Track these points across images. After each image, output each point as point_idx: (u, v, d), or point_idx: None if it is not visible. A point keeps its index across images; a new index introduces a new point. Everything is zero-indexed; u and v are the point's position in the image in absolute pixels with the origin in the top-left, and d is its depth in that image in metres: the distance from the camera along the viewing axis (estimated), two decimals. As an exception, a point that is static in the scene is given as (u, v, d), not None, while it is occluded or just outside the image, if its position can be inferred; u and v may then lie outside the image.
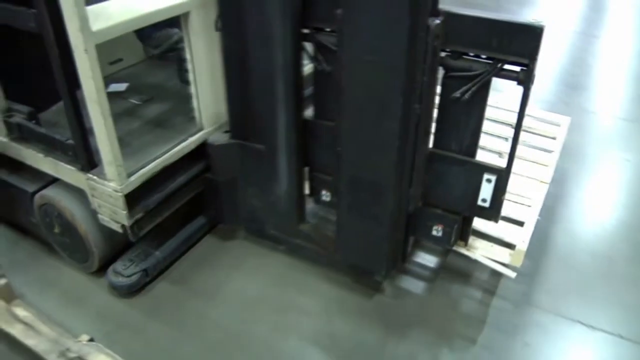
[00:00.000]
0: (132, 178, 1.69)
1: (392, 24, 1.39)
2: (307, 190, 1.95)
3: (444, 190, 1.69)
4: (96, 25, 1.44)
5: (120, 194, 1.66)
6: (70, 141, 1.69)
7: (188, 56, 1.79)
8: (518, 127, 1.52)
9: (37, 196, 1.92)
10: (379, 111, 1.52)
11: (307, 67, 1.76)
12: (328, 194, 1.91)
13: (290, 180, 1.85)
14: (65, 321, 1.76)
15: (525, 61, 1.42)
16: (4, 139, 1.88)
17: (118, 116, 1.86)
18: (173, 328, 1.76)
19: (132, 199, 1.71)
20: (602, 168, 2.59)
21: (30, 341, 1.64)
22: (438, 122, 1.63)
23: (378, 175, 1.61)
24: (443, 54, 1.51)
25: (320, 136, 1.80)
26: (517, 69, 1.45)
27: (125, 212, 1.70)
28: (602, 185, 2.46)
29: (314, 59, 1.71)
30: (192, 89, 1.85)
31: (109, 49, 2.21)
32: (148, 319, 1.80)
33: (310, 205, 2.00)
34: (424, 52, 1.45)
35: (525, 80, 1.44)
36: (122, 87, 2.23)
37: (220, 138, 1.88)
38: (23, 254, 2.07)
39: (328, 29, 1.63)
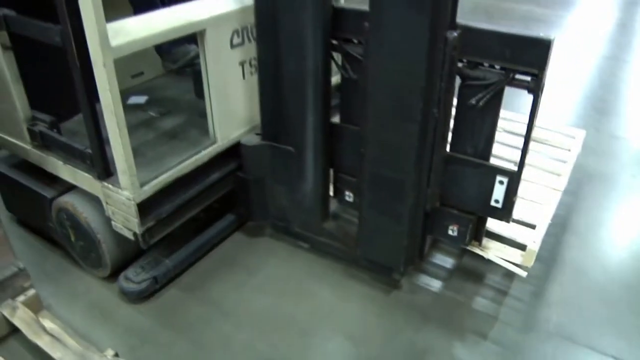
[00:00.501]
0: (145, 187, 1.82)
1: (413, 37, 1.57)
2: (331, 192, 2.13)
3: (459, 191, 1.85)
4: (115, 41, 1.58)
5: (132, 202, 1.79)
6: (88, 150, 1.82)
7: (203, 71, 1.94)
8: (529, 132, 1.67)
9: (55, 202, 2.04)
10: (401, 114, 1.69)
11: (334, 78, 1.95)
12: (351, 194, 2.08)
13: (316, 180, 2.03)
14: (91, 334, 1.83)
15: (535, 71, 1.58)
16: (27, 146, 2.04)
17: (135, 127, 2.12)
18: (197, 346, 1.84)
19: (145, 207, 1.84)
20: (627, 192, 2.67)
21: (57, 354, 1.67)
22: (455, 127, 1.79)
23: (398, 174, 1.77)
24: (460, 64, 1.69)
25: (345, 139, 1.98)
26: (528, 78, 1.62)
27: (137, 220, 1.83)
28: (624, 207, 2.56)
29: (341, 67, 1.90)
30: (207, 104, 2.00)
31: (131, 63, 2.49)
32: (174, 334, 1.88)
33: (333, 205, 2.17)
34: (442, 62, 1.62)
35: (535, 89, 1.60)
36: (141, 99, 2.41)
37: (253, 139, 2.06)
38: (52, 265, 2.16)
39: (355, 40, 1.83)
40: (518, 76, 1.63)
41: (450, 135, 1.81)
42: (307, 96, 1.89)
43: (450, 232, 1.93)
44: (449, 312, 1.95)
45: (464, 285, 2.06)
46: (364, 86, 1.74)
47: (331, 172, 2.09)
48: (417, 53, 1.58)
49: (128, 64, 2.41)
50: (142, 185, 1.80)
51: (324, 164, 2.01)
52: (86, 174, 1.88)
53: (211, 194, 2.10)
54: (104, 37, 1.52)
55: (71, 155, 1.91)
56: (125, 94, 2.22)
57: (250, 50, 2.02)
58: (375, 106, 1.74)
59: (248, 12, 1.91)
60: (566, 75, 3.91)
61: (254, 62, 2.04)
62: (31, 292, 1.87)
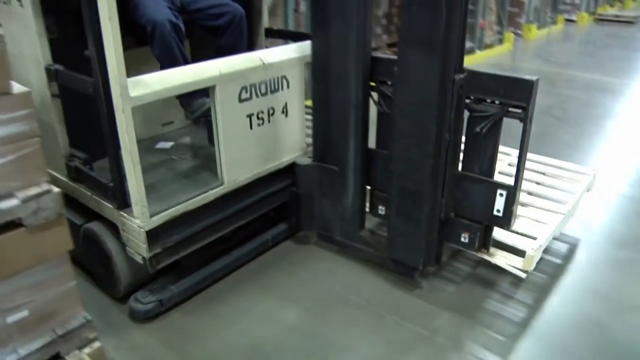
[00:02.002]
0: (154, 218, 2.20)
1: (429, 78, 2.20)
2: (367, 208, 2.73)
3: (469, 203, 2.40)
4: (134, 92, 1.99)
5: (142, 230, 2.17)
6: (111, 184, 2.23)
7: (214, 122, 2.38)
8: (521, 154, 2.24)
9: (82, 228, 2.43)
10: (419, 138, 2.29)
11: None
12: (383, 208, 2.67)
13: (355, 195, 2.63)
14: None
15: (524, 105, 2.17)
16: (65, 179, 2.46)
17: (156, 167, 2.67)
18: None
19: (153, 235, 2.21)
20: None
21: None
22: (465, 150, 2.38)
23: (418, 187, 2.36)
24: (467, 100, 2.30)
25: (379, 162, 2.59)
26: (519, 110, 2.20)
27: (145, 246, 2.20)
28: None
29: (377, 103, 2.55)
30: (216, 150, 2.44)
31: (162, 113, 3.07)
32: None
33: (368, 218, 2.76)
34: (451, 97, 2.24)
35: (525, 119, 2.18)
36: (167, 145, 2.96)
37: (305, 160, 2.72)
38: (116, 317, 2.40)
39: (388, 82, 2.48)
40: (511, 109, 2.22)
41: (461, 157, 2.40)
42: (350, 126, 2.54)
43: (462, 239, 2.47)
44: (459, 306, 2.44)
45: (474, 288, 2.56)
46: (393, 117, 2.37)
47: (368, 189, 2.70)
48: (431, 90, 2.21)
49: (160, 114, 3.05)
50: (151, 215, 2.20)
51: (362, 181, 2.62)
52: (108, 204, 2.30)
53: (220, 228, 2.53)
54: (124, 89, 1.96)
55: (97, 188, 2.33)
56: (155, 140, 2.95)
57: (257, 104, 2.50)
58: (400, 132, 2.36)
59: (256, 71, 2.44)
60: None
61: (261, 115, 2.53)
62: (96, 344, 2.01)
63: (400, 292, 2.54)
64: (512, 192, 2.29)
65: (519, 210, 2.68)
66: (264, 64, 2.47)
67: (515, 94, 2.18)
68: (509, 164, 3.12)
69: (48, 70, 2.27)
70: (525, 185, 2.95)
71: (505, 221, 2.34)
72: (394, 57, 2.35)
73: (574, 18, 11.25)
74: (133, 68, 2.40)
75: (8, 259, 1.87)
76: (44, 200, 1.92)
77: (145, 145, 2.87)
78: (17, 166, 1.90)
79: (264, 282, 2.61)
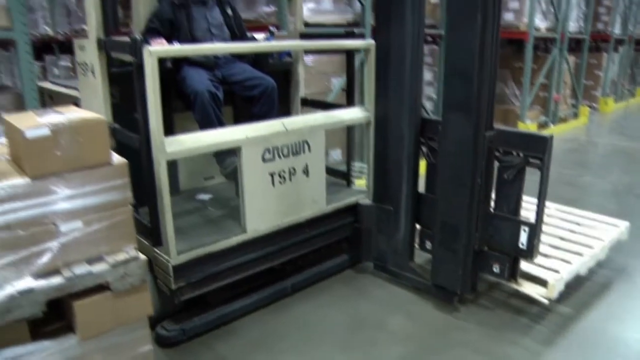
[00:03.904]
0: (181, 255, 2.74)
1: (464, 134, 2.97)
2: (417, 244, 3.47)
3: (499, 238, 3.09)
4: (169, 148, 2.62)
5: (170, 264, 2.70)
6: (149, 224, 2.81)
7: (239, 178, 2.94)
8: (540, 195, 2.93)
9: None
10: (458, 182, 3.04)
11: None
12: (429, 243, 3.39)
13: (406, 231, 3.38)
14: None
15: (541, 156, 2.89)
16: None
17: (191, 214, 3.28)
18: None
19: (179, 270, 2.73)
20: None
21: None
22: (496, 193, 3.10)
23: (456, 222, 3.08)
24: (497, 153, 3.04)
25: (427, 204, 3.34)
26: (538, 161, 2.91)
27: (172, 278, 2.71)
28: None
29: (426, 155, 3.34)
30: (240, 203, 2.98)
31: (204, 169, 3.73)
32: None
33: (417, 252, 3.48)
34: (483, 150, 2.99)
35: (542, 167, 2.90)
36: (206, 197, 3.59)
37: (366, 201, 3.51)
38: None
39: (435, 138, 3.26)
40: (531, 160, 2.94)
41: (493, 198, 3.12)
42: (403, 174, 3.33)
43: (494, 269, 3.15)
44: (489, 324, 3.08)
45: (506, 314, 3.19)
46: (437, 166, 3.15)
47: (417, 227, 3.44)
48: (466, 144, 2.98)
49: (202, 170, 3.75)
50: (179, 253, 2.74)
51: (412, 220, 3.38)
52: (145, 242, 2.81)
53: (242, 271, 3.03)
54: (161, 145, 2.58)
55: (140, 228, 2.74)
56: (197, 191, 3.68)
57: (279, 164, 3.06)
58: (443, 177, 3.12)
59: (279, 136, 3.03)
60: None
61: (282, 174, 3.09)
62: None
63: (440, 312, 3.22)
64: (533, 228, 2.97)
65: (550, 251, 3.35)
66: (286, 129, 3.09)
67: (534, 148, 2.91)
68: (547, 215, 3.79)
69: (109, 128, 2.58)
70: (558, 232, 3.61)
71: (528, 253, 3.01)
72: (439, 118, 3.15)
73: (653, 90, 11.68)
74: (180, 127, 3.30)
75: (93, 320, 2.13)
76: (131, 267, 2.20)
77: (187, 195, 3.62)
78: (109, 232, 2.20)
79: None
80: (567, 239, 3.55)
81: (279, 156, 3.08)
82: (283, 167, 3.11)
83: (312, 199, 3.30)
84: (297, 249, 3.30)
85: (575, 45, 9.31)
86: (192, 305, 3.00)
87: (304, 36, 3.91)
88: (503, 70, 8.66)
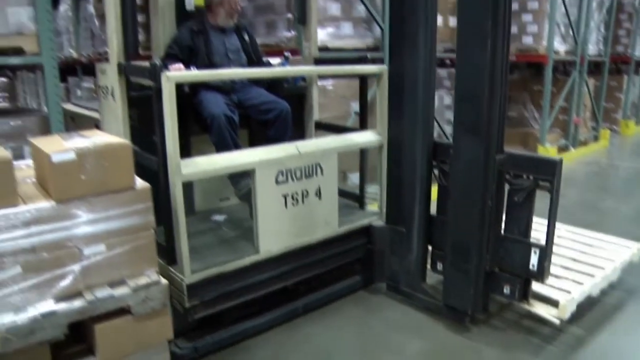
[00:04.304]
0: (195, 274, 2.85)
1: (475, 157, 3.05)
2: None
3: (510, 259, 3.15)
4: (185, 170, 2.77)
5: (184, 283, 2.80)
6: (164, 244, 2.90)
7: (253, 199, 3.05)
8: (550, 217, 3.00)
9: None
10: (469, 204, 3.12)
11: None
12: (441, 264, 3.46)
13: (418, 252, 3.46)
14: None
15: (551, 178, 2.96)
16: None
17: (206, 234, 3.37)
18: None
19: (192, 289, 2.84)
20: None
21: None
22: (506, 216, 3.17)
23: (467, 243, 3.15)
24: (507, 176, 3.12)
25: (439, 225, 3.42)
26: (547, 184, 2.99)
27: (185, 297, 2.81)
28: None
29: (438, 178, 3.42)
30: (254, 224, 3.10)
31: (220, 190, 3.84)
32: None
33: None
34: (493, 172, 3.07)
35: (552, 190, 2.97)
36: (221, 217, 3.72)
37: (379, 223, 3.60)
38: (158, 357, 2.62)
39: (446, 161, 3.35)
40: (541, 183, 3.01)
41: (504, 220, 3.19)
42: (415, 196, 3.42)
43: (505, 291, 3.20)
44: (503, 348, 3.13)
45: (517, 335, 3.23)
46: (449, 188, 3.23)
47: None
48: (477, 167, 3.06)
49: (218, 191, 3.87)
50: (193, 272, 2.85)
51: (424, 241, 3.45)
52: (161, 261, 2.81)
53: (254, 291, 3.13)
54: (177, 167, 2.74)
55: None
56: (212, 212, 3.79)
57: (292, 187, 3.17)
58: (454, 199, 3.20)
59: (292, 159, 3.14)
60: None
61: (295, 196, 3.20)
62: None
63: (451, 333, 3.27)
64: (543, 250, 3.03)
65: (562, 272, 3.41)
66: (299, 153, 3.21)
67: (544, 171, 2.98)
68: (558, 236, 3.85)
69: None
70: (570, 253, 3.67)
71: (539, 275, 3.07)
72: (450, 142, 3.24)
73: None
74: (197, 149, 3.44)
75: (113, 344, 2.19)
76: (152, 291, 2.26)
77: (203, 216, 3.74)
78: (131, 256, 2.26)
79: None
80: (578, 260, 3.60)
81: (292, 179, 3.19)
82: (296, 189, 3.22)
83: (325, 220, 3.40)
84: (309, 269, 3.39)
85: (594, 68, 9.36)
86: (205, 324, 3.09)
87: (318, 61, 4.05)
88: (522, 94, 8.74)
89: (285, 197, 3.18)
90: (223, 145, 3.31)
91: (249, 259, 3.10)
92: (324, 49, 5.14)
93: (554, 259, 3.49)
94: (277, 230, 3.18)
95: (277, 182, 3.12)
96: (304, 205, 3.28)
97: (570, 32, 8.15)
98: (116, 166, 2.30)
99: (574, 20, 8.10)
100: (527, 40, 7.83)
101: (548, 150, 7.72)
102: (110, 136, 2.55)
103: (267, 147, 3.21)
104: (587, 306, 3.46)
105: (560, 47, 8.02)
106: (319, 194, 3.34)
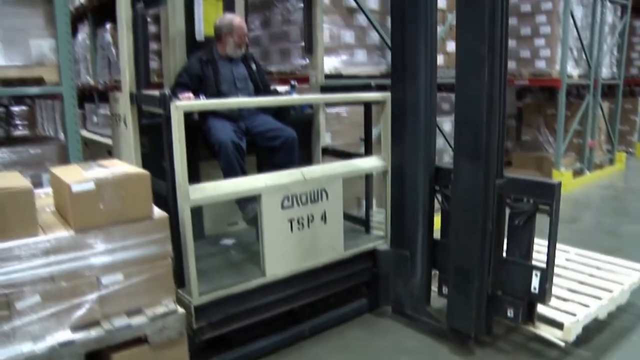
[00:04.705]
0: (203, 296, 2.95)
1: (475, 182, 3.16)
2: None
3: (511, 282, 3.24)
4: (193, 195, 2.89)
5: (192, 304, 2.89)
6: (175, 267, 2.84)
7: (259, 224, 3.17)
8: (550, 239, 3.08)
9: None
10: (470, 228, 3.22)
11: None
12: (446, 287, 3.54)
13: (422, 276, 3.55)
14: None
15: (550, 202, 3.05)
16: None
17: (214, 257, 3.50)
18: None
19: (200, 311, 2.93)
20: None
21: None
22: (507, 239, 3.26)
23: (469, 267, 3.24)
24: (508, 200, 3.22)
25: (442, 249, 3.51)
26: (547, 207, 3.08)
27: (193, 318, 2.89)
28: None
29: (441, 202, 3.53)
30: (260, 247, 3.21)
31: (228, 215, 3.98)
32: None
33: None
34: (493, 197, 3.17)
35: (551, 214, 3.06)
36: (230, 242, 3.86)
37: (384, 246, 3.70)
38: None
39: (448, 185, 3.46)
40: (541, 206, 3.10)
41: (505, 243, 3.28)
42: (418, 220, 3.52)
43: (508, 314, 3.28)
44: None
45: (524, 358, 3.29)
46: (450, 212, 3.34)
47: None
48: (477, 191, 3.16)
49: (227, 216, 4.02)
50: (200, 294, 2.95)
51: (428, 264, 3.55)
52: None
53: (261, 313, 3.23)
54: (186, 192, 2.86)
55: None
56: (221, 236, 3.92)
57: (298, 211, 3.28)
58: (455, 223, 3.30)
59: (297, 184, 3.26)
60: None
61: (301, 220, 3.31)
62: None
63: (456, 356, 3.35)
64: (544, 273, 3.11)
65: (569, 295, 3.49)
66: (305, 178, 3.32)
67: (543, 195, 3.08)
68: (566, 259, 3.93)
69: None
70: (578, 276, 3.75)
71: (540, 297, 3.14)
72: (452, 167, 3.36)
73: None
74: (206, 174, 3.59)
75: None
76: (170, 320, 2.31)
77: (212, 240, 3.86)
78: (149, 285, 2.31)
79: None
80: (586, 283, 3.66)
81: (298, 203, 3.31)
82: (301, 214, 3.34)
83: (330, 244, 3.51)
84: (315, 292, 3.49)
85: (608, 91, 9.42)
86: (212, 345, 3.18)
87: (325, 89, 4.20)
88: (536, 117, 8.83)
89: (290, 222, 3.30)
90: (230, 171, 3.46)
91: (256, 282, 3.20)
92: (337, 76, 5.30)
93: (561, 282, 3.62)
94: (283, 254, 3.29)
95: (282, 207, 3.24)
96: (310, 229, 3.40)
97: (583, 56, 8.25)
98: (134, 196, 2.39)
99: (586, 44, 8.22)
100: (540, 64, 7.93)
101: (563, 174, 7.76)
102: (129, 166, 2.66)
103: (273, 172, 3.34)
104: (595, 329, 3.53)
105: (574, 70, 8.12)
106: (324, 218, 3.46)
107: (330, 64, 5.21)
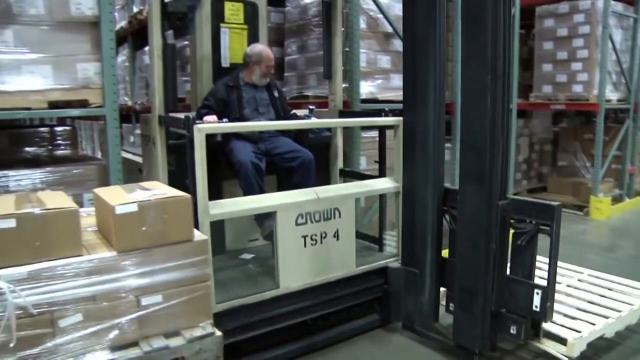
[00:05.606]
0: (219, 305, 3.21)
1: (479, 203, 3.43)
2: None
3: (515, 300, 3.47)
4: (213, 211, 3.19)
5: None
6: None
7: (274, 239, 3.48)
8: (551, 259, 3.32)
9: None
10: (474, 248, 3.48)
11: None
12: (453, 305, 3.80)
13: (430, 293, 3.82)
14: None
15: (550, 223, 3.30)
16: None
17: (233, 269, 3.82)
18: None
19: (216, 318, 2.97)
20: None
21: None
22: (511, 259, 3.51)
23: (473, 285, 3.50)
24: (512, 220, 3.47)
25: (450, 268, 3.77)
26: (547, 227, 3.32)
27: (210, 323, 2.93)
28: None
29: (448, 222, 3.80)
30: (275, 262, 3.52)
31: (248, 231, 4.29)
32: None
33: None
34: (496, 217, 3.44)
35: (551, 234, 3.30)
36: (249, 256, 4.17)
37: (395, 264, 3.99)
38: None
39: (455, 206, 3.73)
40: (542, 227, 3.35)
41: (509, 263, 3.53)
42: (427, 239, 3.80)
43: (511, 331, 3.51)
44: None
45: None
46: (457, 232, 3.61)
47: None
48: (481, 213, 3.43)
49: (247, 232, 4.33)
50: (217, 302, 3.20)
51: (437, 282, 3.81)
52: None
53: (274, 323, 3.51)
54: (206, 208, 3.18)
55: None
56: (241, 251, 4.24)
57: (312, 228, 3.61)
58: (461, 243, 3.57)
59: (311, 203, 3.59)
60: None
61: (314, 237, 3.63)
62: None
63: (461, 371, 3.61)
64: (546, 292, 3.35)
65: (577, 314, 3.70)
66: (318, 197, 3.66)
67: (544, 216, 3.33)
68: (579, 280, 4.15)
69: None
70: (588, 296, 3.97)
71: (541, 315, 3.37)
72: (458, 188, 3.64)
73: None
74: (229, 192, 3.93)
75: None
76: (207, 343, 2.38)
77: (232, 255, 4.19)
78: (187, 307, 2.39)
79: None
80: (596, 303, 3.85)
81: (311, 221, 3.64)
82: (315, 230, 3.66)
83: (342, 260, 3.82)
84: (327, 306, 3.79)
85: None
86: (226, 353, 3.44)
87: (342, 113, 4.54)
88: (572, 142, 8.94)
89: (304, 238, 3.62)
90: (250, 189, 3.81)
91: (270, 293, 3.51)
92: (373, 100, 5.62)
93: (571, 301, 3.83)
94: (296, 268, 3.60)
95: (296, 223, 3.57)
96: (322, 245, 3.71)
97: (623, 80, 8.37)
98: (176, 219, 2.54)
99: (626, 68, 8.35)
100: (577, 88, 8.06)
101: (601, 200, 7.82)
102: (170, 189, 2.86)
103: (288, 191, 3.68)
104: (605, 348, 3.73)
105: (612, 94, 8.22)
106: (337, 235, 3.78)
107: (367, 88, 5.55)
